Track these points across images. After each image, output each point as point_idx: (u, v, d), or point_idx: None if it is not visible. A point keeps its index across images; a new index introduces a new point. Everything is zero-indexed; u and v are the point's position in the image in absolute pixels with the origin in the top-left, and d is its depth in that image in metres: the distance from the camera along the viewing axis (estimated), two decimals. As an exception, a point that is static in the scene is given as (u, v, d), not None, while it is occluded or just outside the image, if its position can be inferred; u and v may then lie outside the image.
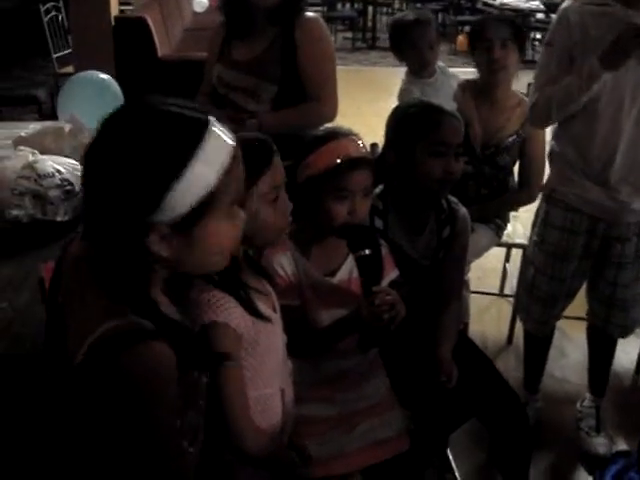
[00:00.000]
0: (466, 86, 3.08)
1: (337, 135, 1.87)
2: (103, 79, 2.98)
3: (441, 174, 2.07)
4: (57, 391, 1.20)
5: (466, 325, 2.97)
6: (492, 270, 3.97)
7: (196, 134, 1.10)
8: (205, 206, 1.11)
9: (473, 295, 3.35)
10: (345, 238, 1.86)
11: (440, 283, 2.24)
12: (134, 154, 1.09)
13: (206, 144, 1.10)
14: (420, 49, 3.05)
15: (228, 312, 1.51)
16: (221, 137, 1.14)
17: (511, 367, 3.33)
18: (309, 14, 2.65)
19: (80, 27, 5.63)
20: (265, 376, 1.63)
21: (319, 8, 11.98)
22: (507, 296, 3.76)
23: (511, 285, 3.63)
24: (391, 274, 1.99)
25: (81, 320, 1.14)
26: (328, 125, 2.39)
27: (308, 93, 2.56)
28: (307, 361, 1.91)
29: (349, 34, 11.91)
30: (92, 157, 1.14)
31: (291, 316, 1.81)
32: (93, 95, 2.84)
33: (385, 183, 2.17)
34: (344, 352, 1.94)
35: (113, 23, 5.76)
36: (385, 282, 1.93)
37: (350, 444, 1.91)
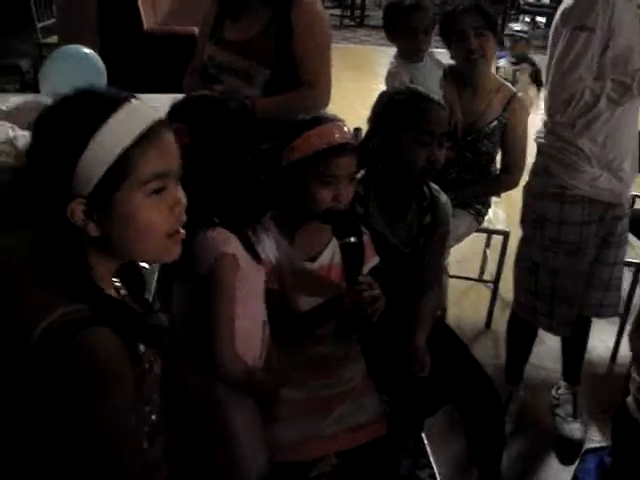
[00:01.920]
0: (448, 72, 3.08)
1: (322, 120, 1.88)
2: (86, 53, 2.95)
3: (425, 162, 2.09)
4: (5, 386, 1.20)
5: (444, 310, 2.99)
6: (472, 255, 3.99)
7: (105, 109, 1.15)
8: (117, 178, 1.15)
9: (452, 280, 3.36)
10: (330, 224, 1.89)
11: (419, 270, 2.25)
12: (50, 127, 1.17)
13: (115, 118, 1.14)
14: (415, 34, 3.02)
15: (234, 246, 1.66)
16: (136, 113, 1.18)
17: (489, 352, 3.37)
18: None
19: (64, -3, 5.55)
20: (252, 310, 1.76)
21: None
22: (486, 281, 3.78)
23: (490, 271, 3.64)
24: (371, 261, 2.02)
25: (27, 311, 1.16)
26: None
27: (302, 78, 2.52)
28: (284, 345, 1.92)
29: (337, 11, 11.82)
30: (31, 138, 1.22)
31: (270, 299, 1.85)
32: (76, 70, 2.81)
33: (367, 169, 2.16)
34: (322, 337, 1.96)
35: (98, -6, 5.68)
36: (366, 269, 1.96)
37: (326, 428, 1.94)
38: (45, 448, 1.16)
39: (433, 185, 2.25)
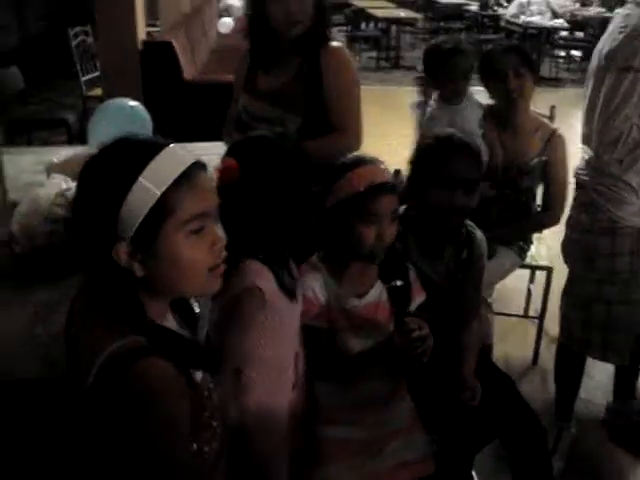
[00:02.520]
0: (487, 112, 3.11)
1: (363, 162, 1.94)
2: (132, 106, 3.04)
3: (448, 206, 2.15)
4: (74, 418, 1.26)
5: (490, 347, 2.98)
6: (516, 292, 3.98)
7: (145, 155, 1.22)
8: (158, 219, 1.21)
9: (497, 317, 3.36)
10: (374, 263, 1.94)
11: (459, 304, 2.29)
12: (94, 175, 1.25)
13: (155, 163, 1.22)
14: (454, 79, 3.05)
15: (263, 280, 1.66)
16: (174, 157, 1.25)
17: (537, 389, 3.34)
18: (334, 43, 2.62)
19: (107, 51, 5.72)
20: (283, 342, 1.73)
21: (343, 28, 12.11)
22: (531, 317, 3.76)
23: (535, 306, 3.63)
24: (419, 298, 2.06)
25: (88, 347, 1.23)
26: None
27: (333, 124, 2.55)
28: (335, 384, 1.96)
29: (373, 53, 11.98)
30: (77, 187, 1.29)
31: (320, 338, 1.91)
32: (122, 122, 2.89)
33: (405, 207, 2.22)
34: (372, 376, 1.98)
35: (140, 47, 5.85)
36: (413, 306, 2.01)
37: (377, 466, 1.95)
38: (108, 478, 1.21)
39: (468, 221, 2.30)
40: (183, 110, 5.65)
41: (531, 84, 3.00)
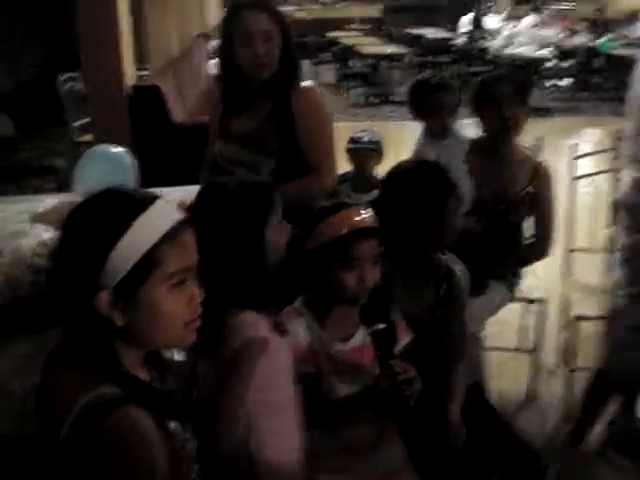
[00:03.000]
0: (473, 145, 3.11)
1: (344, 206, 1.93)
2: (115, 152, 3.04)
3: (444, 239, 2.20)
4: (48, 474, 1.26)
5: (479, 383, 2.94)
6: (509, 325, 3.94)
7: (133, 210, 1.26)
8: (143, 272, 1.24)
9: (491, 352, 3.31)
10: (356, 306, 1.94)
11: (444, 342, 2.27)
12: (81, 226, 1.27)
13: (142, 218, 1.25)
14: (441, 114, 3.07)
15: (264, 328, 1.69)
16: (160, 214, 1.28)
17: (533, 423, 3.29)
18: (305, 84, 2.64)
19: (95, 96, 5.74)
20: (282, 379, 1.79)
21: (331, 65, 12.20)
22: (525, 351, 3.72)
23: (529, 339, 3.60)
24: (405, 339, 2.04)
25: (62, 399, 1.23)
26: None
27: (309, 164, 2.56)
28: (322, 430, 1.93)
29: (362, 90, 12.05)
30: (60, 235, 1.30)
31: (307, 383, 1.88)
32: (106, 169, 2.89)
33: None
34: (359, 420, 1.95)
35: (130, 92, 5.87)
36: (399, 347, 1.99)
37: None
38: None
39: (448, 254, 2.31)
40: (173, 153, 5.65)
41: (524, 113, 3.01)
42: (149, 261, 1.23)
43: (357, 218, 1.89)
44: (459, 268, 2.30)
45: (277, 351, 1.73)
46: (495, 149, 3.07)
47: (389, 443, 2.01)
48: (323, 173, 2.58)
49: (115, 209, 1.27)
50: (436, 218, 2.18)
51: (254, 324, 1.69)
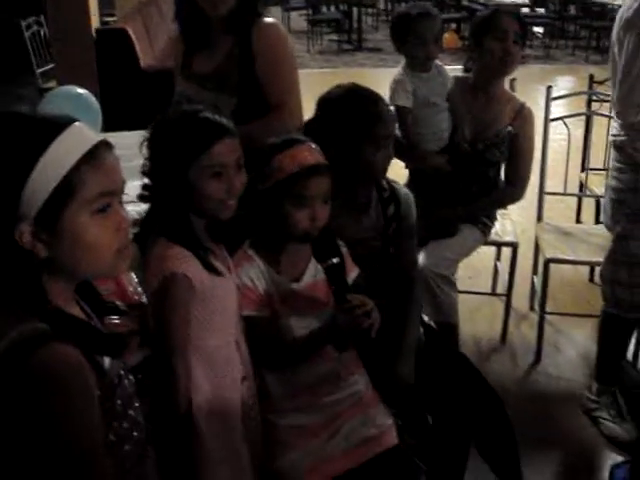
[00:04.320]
0: (457, 83, 3.06)
1: (294, 142, 1.88)
2: (80, 93, 2.95)
3: (383, 164, 2.17)
4: None
5: (455, 326, 2.93)
6: (483, 269, 3.94)
7: (49, 133, 1.19)
8: (62, 197, 1.18)
9: (464, 295, 3.31)
10: (307, 243, 1.92)
11: (398, 263, 2.27)
12: None
13: (58, 141, 1.18)
14: (426, 43, 2.98)
15: (187, 265, 1.65)
16: (79, 136, 1.22)
17: (506, 367, 3.32)
18: (267, 20, 2.54)
19: (61, 41, 5.59)
20: (220, 328, 1.75)
21: (303, 11, 12.01)
22: (499, 295, 3.72)
23: (503, 283, 3.60)
24: (353, 273, 2.03)
25: None
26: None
27: (270, 103, 2.47)
28: (283, 371, 1.92)
29: (335, 36, 11.90)
30: None
31: (262, 327, 1.87)
32: (70, 111, 2.80)
33: None
34: (320, 357, 1.93)
35: (95, 36, 5.72)
36: (349, 281, 1.98)
37: (337, 447, 1.93)
38: (15, 470, 1.16)
39: (390, 178, 2.29)
40: (140, 98, 5.53)
41: (520, 56, 3.00)
42: (68, 186, 1.17)
43: (308, 155, 1.85)
44: (404, 191, 2.29)
45: (208, 290, 1.69)
46: (483, 87, 3.04)
47: (353, 376, 2.00)
48: (285, 110, 2.49)
49: (30, 133, 1.20)
50: (362, 146, 2.12)
51: (176, 258, 1.65)
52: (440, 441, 2.15)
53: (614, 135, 2.77)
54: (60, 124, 1.21)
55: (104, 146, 1.24)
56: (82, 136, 1.22)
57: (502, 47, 2.92)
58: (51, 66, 6.50)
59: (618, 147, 2.74)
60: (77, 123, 1.23)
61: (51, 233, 1.18)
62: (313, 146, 1.88)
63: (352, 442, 1.94)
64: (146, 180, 1.73)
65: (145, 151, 1.73)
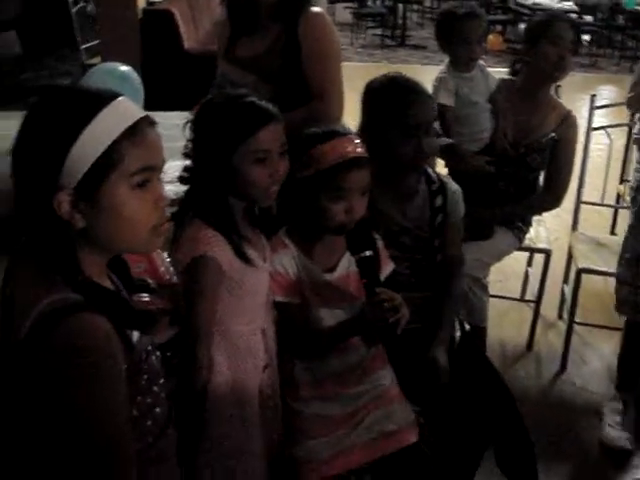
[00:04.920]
0: (503, 85, 3.04)
1: (335, 134, 1.86)
2: (123, 70, 2.96)
3: (413, 154, 2.13)
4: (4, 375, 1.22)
5: (484, 330, 2.92)
6: (513, 274, 3.91)
7: (95, 105, 1.20)
8: (104, 170, 1.18)
9: (493, 300, 3.28)
10: (342, 235, 1.91)
11: (441, 258, 2.27)
12: (41, 122, 1.21)
13: (103, 114, 1.19)
14: (470, 43, 2.95)
15: (218, 249, 1.65)
16: (123, 110, 1.22)
17: (531, 374, 3.29)
18: (314, 9, 2.52)
19: (107, 18, 5.62)
20: (246, 314, 1.76)
21: (350, 4, 11.97)
22: (528, 301, 3.69)
23: (532, 290, 3.57)
24: (387, 268, 2.02)
25: (22, 302, 1.19)
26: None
27: (312, 93, 2.46)
28: (311, 360, 1.92)
29: (379, 31, 11.85)
30: (18, 134, 1.23)
31: (291, 314, 1.88)
32: (112, 86, 2.81)
33: None
34: (348, 348, 1.93)
35: (140, 15, 5.75)
36: (383, 276, 1.98)
37: (357, 438, 1.93)
38: (40, 439, 1.17)
39: (442, 173, 2.31)
40: (182, 80, 5.55)
41: (572, 63, 2.97)
42: (110, 158, 1.18)
43: (348, 147, 1.83)
44: (454, 187, 2.28)
45: (238, 277, 1.70)
46: (531, 91, 3.01)
47: (379, 371, 2.00)
48: (329, 101, 2.48)
49: (75, 105, 1.21)
50: (390, 133, 2.12)
51: (208, 240, 1.65)
52: (455, 441, 2.13)
53: (636, 134, 2.79)
54: (105, 97, 1.22)
55: (147, 122, 1.24)
56: (126, 110, 1.23)
57: (557, 52, 2.89)
58: (95, 42, 6.54)
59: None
60: (122, 97, 1.24)
61: (90, 204, 1.19)
62: (355, 138, 1.87)
63: (372, 435, 1.94)
64: (187, 162, 1.74)
65: (188, 133, 1.73)
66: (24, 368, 1.15)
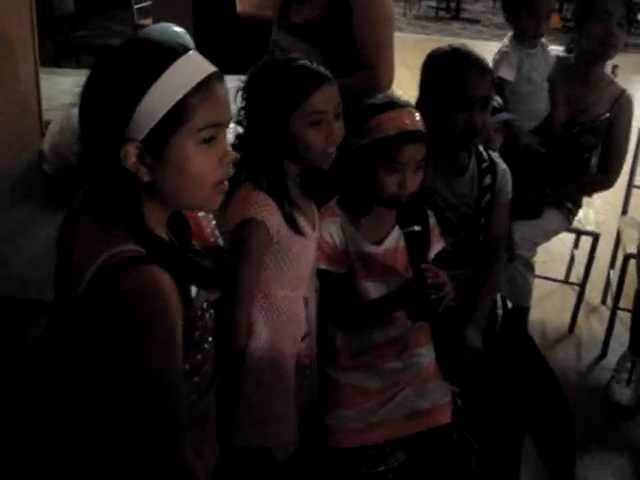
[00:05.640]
0: (559, 63, 2.97)
1: (394, 105, 1.84)
2: (176, 31, 2.94)
3: (464, 126, 2.08)
4: (62, 327, 1.24)
5: (527, 310, 2.88)
6: (559, 256, 3.85)
7: (165, 58, 1.18)
8: (172, 124, 1.17)
9: (537, 280, 3.23)
10: (394, 209, 1.90)
11: (486, 237, 2.23)
12: (112, 71, 1.19)
13: (174, 67, 1.17)
14: (539, 16, 2.87)
15: (268, 213, 1.65)
16: (194, 64, 1.20)
17: (571, 357, 3.26)
18: None
19: (160, -21, 5.62)
20: (291, 281, 1.75)
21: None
22: (572, 284, 3.64)
23: (577, 273, 3.51)
24: (437, 245, 2.01)
25: (82, 253, 1.19)
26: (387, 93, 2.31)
27: (362, 60, 2.44)
28: (352, 330, 1.92)
29: (433, 3, 11.69)
30: (85, 84, 1.22)
31: (337, 284, 1.88)
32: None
33: None
34: (392, 321, 1.92)
35: (195, -23, 5.73)
36: (432, 253, 1.97)
37: (389, 413, 1.92)
38: (97, 390, 1.20)
39: (493, 153, 2.25)
40: (234, 44, 5.53)
41: (624, 40, 2.87)
42: (179, 112, 1.17)
43: (407, 120, 1.81)
44: (504, 167, 2.23)
45: (284, 244, 1.70)
46: (583, 70, 2.94)
47: (420, 348, 1.99)
48: (378, 70, 2.46)
49: (145, 57, 1.19)
50: (459, 102, 2.07)
51: (257, 204, 1.65)
52: (496, 423, 2.11)
53: None
54: (177, 50, 1.20)
55: (217, 77, 1.23)
56: (197, 65, 1.21)
57: (604, 29, 2.80)
58: (147, 3, 6.56)
59: None
60: (192, 51, 1.22)
61: (156, 158, 1.18)
62: (414, 112, 1.84)
63: (404, 411, 1.93)
64: (239, 129, 1.72)
65: (239, 100, 1.71)
66: (84, 320, 1.16)
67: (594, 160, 3.04)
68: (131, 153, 1.16)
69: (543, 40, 2.93)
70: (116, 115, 1.16)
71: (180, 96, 1.16)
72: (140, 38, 1.26)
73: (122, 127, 1.15)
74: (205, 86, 1.19)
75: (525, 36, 2.86)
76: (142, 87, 1.15)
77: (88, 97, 1.19)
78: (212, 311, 1.37)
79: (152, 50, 1.21)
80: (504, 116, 2.66)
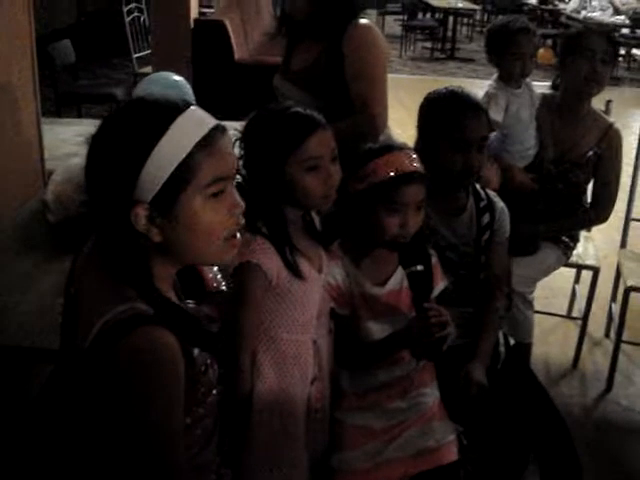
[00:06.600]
0: (544, 101, 3.00)
1: (391, 149, 1.87)
2: (175, 80, 3.00)
3: (461, 168, 2.11)
4: (66, 379, 1.25)
5: (529, 346, 2.89)
6: (560, 291, 3.86)
7: (166, 117, 1.18)
8: (179, 183, 1.17)
9: (539, 316, 3.25)
10: (396, 250, 1.90)
11: (486, 275, 2.24)
12: (112, 137, 1.20)
13: (176, 126, 1.17)
14: (522, 58, 2.94)
15: (264, 257, 1.65)
16: (195, 120, 1.20)
17: (576, 393, 3.24)
18: (362, 21, 2.50)
19: (160, 28, 5.73)
20: (296, 324, 1.74)
21: (399, 16, 11.99)
22: (574, 318, 3.65)
23: (579, 307, 3.52)
24: (440, 284, 2.01)
25: (90, 308, 1.20)
26: (383, 138, 2.33)
27: (355, 102, 2.44)
28: (356, 371, 1.92)
29: (428, 44, 11.84)
30: (90, 148, 1.23)
31: (341, 325, 1.88)
32: (164, 93, 2.85)
33: None
34: (396, 361, 1.92)
35: (192, 26, 5.83)
36: (435, 292, 1.98)
37: (392, 453, 1.91)
38: (98, 443, 1.20)
39: (490, 191, 2.28)
40: (233, 91, 5.62)
41: (609, 75, 2.90)
42: (184, 171, 1.17)
43: (405, 161, 1.83)
44: (501, 205, 2.26)
45: (285, 287, 1.70)
46: (569, 106, 2.96)
47: (424, 388, 1.98)
48: (372, 109, 2.45)
49: (146, 118, 1.19)
50: (456, 144, 2.10)
51: (255, 248, 1.65)
52: (500, 461, 2.11)
53: None
54: (177, 107, 1.20)
55: (219, 130, 1.23)
56: (199, 120, 1.21)
57: (588, 66, 2.83)
58: (147, 52, 6.67)
59: None
60: (193, 107, 1.22)
61: (165, 217, 1.18)
62: (411, 153, 1.87)
63: (409, 451, 1.92)
64: (238, 177, 1.75)
65: (238, 149, 1.74)
66: (88, 374, 1.16)
67: (586, 196, 3.06)
68: (141, 215, 1.17)
69: (527, 79, 2.98)
70: (123, 179, 1.16)
71: (184, 155, 1.17)
72: (139, 99, 1.26)
73: (130, 190, 1.16)
74: (208, 141, 1.19)
75: (511, 77, 2.91)
76: (145, 149, 1.16)
77: (93, 163, 1.20)
78: (216, 367, 1.36)
79: (152, 111, 1.20)
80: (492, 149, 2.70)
